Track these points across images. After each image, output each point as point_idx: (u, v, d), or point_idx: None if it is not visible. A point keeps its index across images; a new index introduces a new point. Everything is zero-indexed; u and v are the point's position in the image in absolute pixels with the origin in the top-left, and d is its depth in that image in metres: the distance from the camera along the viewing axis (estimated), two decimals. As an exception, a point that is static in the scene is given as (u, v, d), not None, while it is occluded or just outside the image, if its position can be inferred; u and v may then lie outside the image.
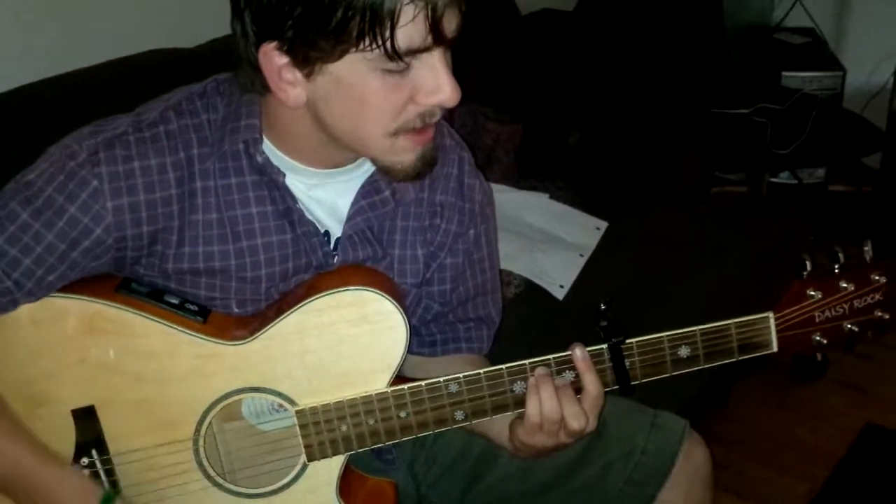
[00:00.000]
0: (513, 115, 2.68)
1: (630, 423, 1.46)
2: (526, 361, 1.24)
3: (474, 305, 1.48)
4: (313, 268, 1.30)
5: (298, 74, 1.12)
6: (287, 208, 1.25)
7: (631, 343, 1.24)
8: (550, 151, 2.79)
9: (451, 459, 1.52)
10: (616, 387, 1.26)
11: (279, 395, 1.24)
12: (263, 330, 1.23)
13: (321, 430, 1.25)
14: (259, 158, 1.23)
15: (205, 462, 1.26)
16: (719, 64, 3.30)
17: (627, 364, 1.24)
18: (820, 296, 1.24)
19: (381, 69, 1.09)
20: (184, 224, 1.22)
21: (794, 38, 3.74)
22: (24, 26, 1.91)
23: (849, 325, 1.26)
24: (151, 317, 1.22)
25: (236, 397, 1.25)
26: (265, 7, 1.07)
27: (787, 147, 3.17)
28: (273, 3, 1.06)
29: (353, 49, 1.07)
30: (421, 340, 1.47)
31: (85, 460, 1.24)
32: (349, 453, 1.28)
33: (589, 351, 1.23)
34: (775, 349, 1.26)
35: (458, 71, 1.14)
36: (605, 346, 1.24)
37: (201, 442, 1.25)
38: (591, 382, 1.23)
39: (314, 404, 1.24)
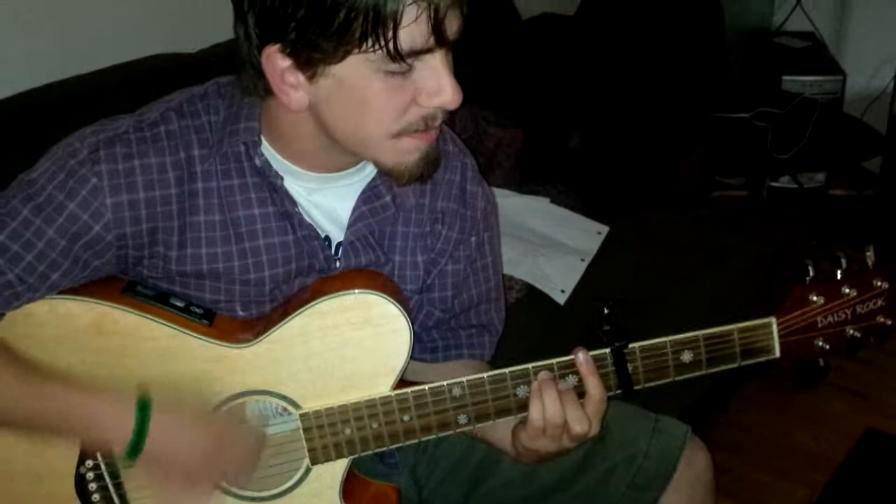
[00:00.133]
0: (514, 120, 2.68)
1: (632, 428, 1.47)
2: (529, 365, 1.24)
3: (477, 312, 1.48)
4: (315, 271, 1.30)
5: (301, 77, 1.12)
6: (286, 211, 1.26)
7: (634, 347, 1.24)
8: (552, 156, 2.79)
9: (452, 464, 1.52)
10: (619, 391, 1.26)
11: (283, 398, 1.25)
12: (268, 333, 1.23)
13: (325, 433, 1.25)
14: (258, 161, 1.23)
15: (209, 465, 1.26)
16: (720, 68, 3.31)
17: (630, 369, 1.25)
18: (822, 301, 1.24)
19: (384, 70, 1.09)
20: (184, 225, 1.23)
21: (795, 42, 3.75)
22: (26, 31, 1.91)
23: (851, 331, 1.27)
24: (157, 319, 1.22)
25: (241, 400, 1.25)
26: (268, 9, 1.08)
27: (788, 151, 3.17)
28: (276, 5, 1.07)
29: (356, 50, 1.07)
30: (422, 346, 1.47)
31: (90, 462, 1.25)
32: (353, 457, 1.28)
33: (592, 355, 1.24)
34: (778, 355, 1.26)
35: (460, 74, 1.14)
36: (608, 350, 1.24)
37: (206, 445, 1.25)
38: (594, 386, 1.23)
39: (318, 408, 1.24)
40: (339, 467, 1.29)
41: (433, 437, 1.27)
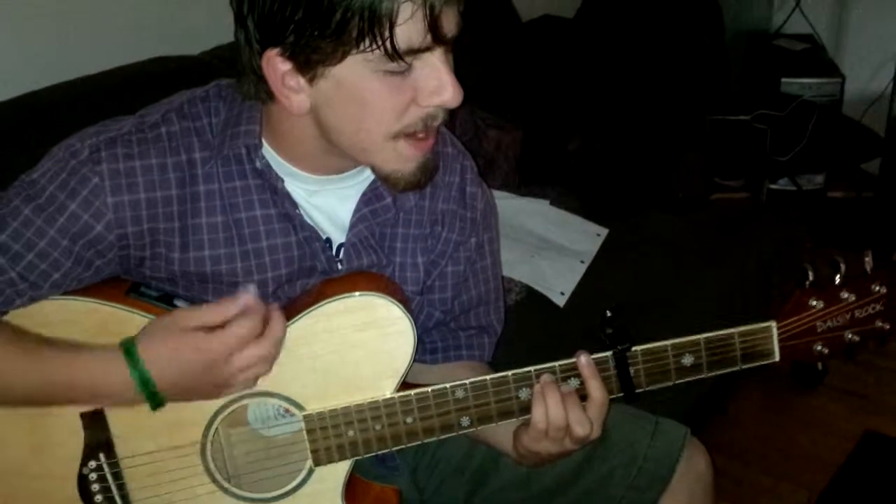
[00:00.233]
0: (514, 122, 2.68)
1: (632, 431, 1.47)
2: (531, 368, 1.25)
3: (476, 314, 1.49)
4: (318, 273, 1.31)
5: (301, 80, 1.13)
6: (287, 213, 1.26)
7: (635, 351, 1.25)
8: (551, 158, 2.79)
9: (453, 467, 1.53)
10: (620, 394, 1.27)
11: (287, 399, 1.25)
12: (272, 335, 1.24)
13: (328, 434, 1.26)
14: (259, 163, 1.24)
15: (212, 466, 1.27)
16: (719, 70, 3.31)
17: (632, 372, 1.25)
18: (822, 305, 1.25)
19: (383, 70, 1.10)
20: (186, 227, 1.23)
21: (794, 44, 3.76)
22: (28, 33, 1.91)
23: (850, 335, 1.27)
24: (162, 320, 1.22)
25: (245, 401, 1.26)
26: (267, 13, 1.09)
27: (787, 153, 3.18)
28: (274, 8, 1.08)
29: (354, 50, 1.08)
30: (422, 348, 1.47)
31: (93, 463, 1.25)
32: (355, 459, 1.29)
33: (594, 358, 1.24)
34: (777, 358, 1.27)
35: (459, 76, 1.15)
36: (609, 353, 1.25)
37: (209, 446, 1.26)
38: (596, 389, 1.24)
39: (322, 409, 1.25)
40: (341, 469, 1.29)
41: (435, 438, 1.28)
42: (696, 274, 2.29)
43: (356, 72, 1.10)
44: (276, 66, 1.12)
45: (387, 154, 1.18)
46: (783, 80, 3.50)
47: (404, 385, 1.27)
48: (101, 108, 1.51)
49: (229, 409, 1.26)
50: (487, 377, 1.25)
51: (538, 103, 2.89)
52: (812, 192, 3.49)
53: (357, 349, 1.24)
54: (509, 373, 1.25)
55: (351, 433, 1.26)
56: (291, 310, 1.26)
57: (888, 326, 1.28)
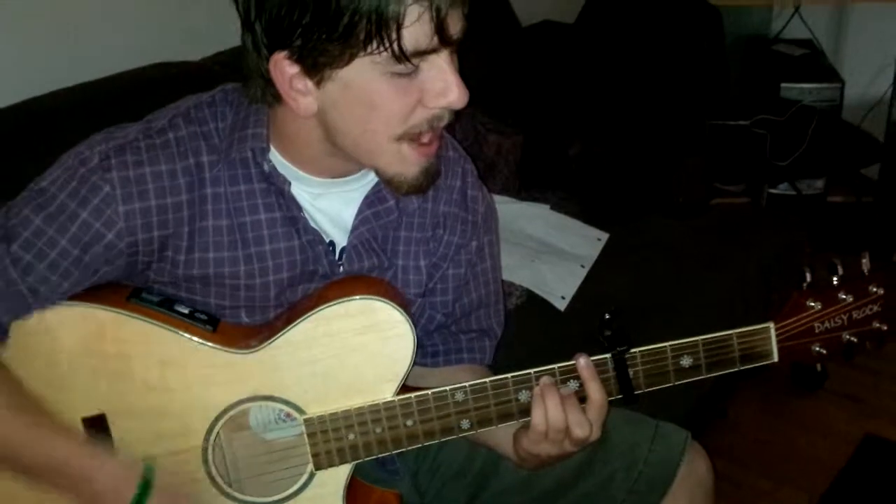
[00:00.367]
0: (514, 127, 2.69)
1: (632, 434, 1.47)
2: (531, 370, 1.25)
3: (476, 317, 1.49)
4: (319, 276, 1.31)
5: (309, 83, 1.13)
6: (292, 216, 1.27)
7: (634, 353, 1.25)
8: (551, 162, 2.80)
9: (454, 470, 1.53)
10: (619, 396, 1.27)
11: (288, 403, 1.26)
12: (272, 339, 1.24)
13: (329, 438, 1.26)
14: (266, 167, 1.24)
15: (214, 471, 1.27)
16: (718, 76, 3.32)
17: (631, 373, 1.26)
18: (819, 307, 1.25)
19: (390, 72, 1.10)
20: (193, 230, 1.24)
21: (793, 49, 3.76)
22: (30, 40, 1.92)
23: (848, 336, 1.28)
24: (162, 325, 1.23)
25: (246, 406, 1.26)
26: (275, 17, 1.09)
27: (787, 158, 3.18)
28: (282, 12, 1.08)
29: (362, 53, 1.09)
30: (423, 351, 1.47)
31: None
32: (356, 462, 1.29)
33: (593, 360, 1.25)
34: (776, 359, 1.27)
35: (461, 79, 1.15)
36: (608, 355, 1.25)
37: (210, 451, 1.26)
38: (595, 391, 1.24)
39: (322, 412, 1.25)
40: (342, 473, 1.29)
41: (436, 441, 1.28)
42: (697, 279, 2.29)
43: (363, 74, 1.11)
44: (284, 69, 1.13)
45: (390, 156, 1.19)
46: (783, 85, 3.50)
47: (404, 388, 1.27)
48: (102, 114, 1.52)
49: (230, 414, 1.26)
50: (487, 380, 1.25)
51: (538, 108, 2.90)
52: (812, 197, 3.49)
53: (357, 353, 1.25)
54: (509, 375, 1.25)
55: (351, 436, 1.26)
56: (292, 313, 1.27)
57: (886, 327, 1.28)
